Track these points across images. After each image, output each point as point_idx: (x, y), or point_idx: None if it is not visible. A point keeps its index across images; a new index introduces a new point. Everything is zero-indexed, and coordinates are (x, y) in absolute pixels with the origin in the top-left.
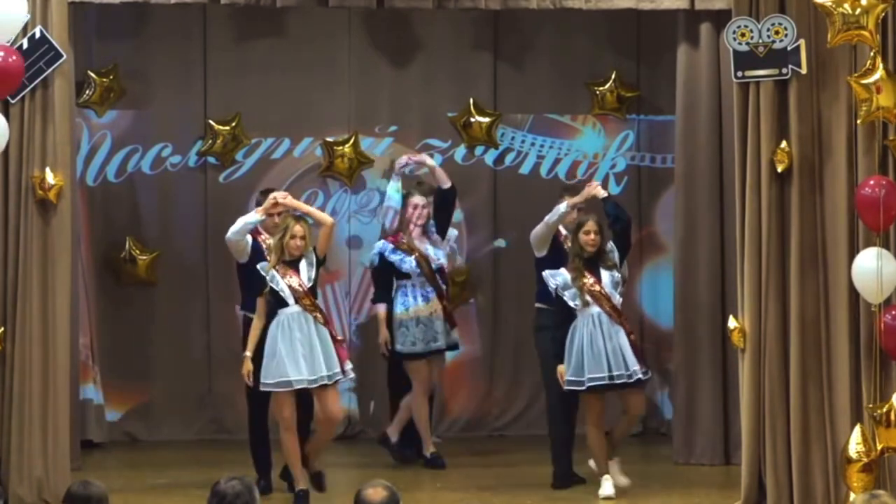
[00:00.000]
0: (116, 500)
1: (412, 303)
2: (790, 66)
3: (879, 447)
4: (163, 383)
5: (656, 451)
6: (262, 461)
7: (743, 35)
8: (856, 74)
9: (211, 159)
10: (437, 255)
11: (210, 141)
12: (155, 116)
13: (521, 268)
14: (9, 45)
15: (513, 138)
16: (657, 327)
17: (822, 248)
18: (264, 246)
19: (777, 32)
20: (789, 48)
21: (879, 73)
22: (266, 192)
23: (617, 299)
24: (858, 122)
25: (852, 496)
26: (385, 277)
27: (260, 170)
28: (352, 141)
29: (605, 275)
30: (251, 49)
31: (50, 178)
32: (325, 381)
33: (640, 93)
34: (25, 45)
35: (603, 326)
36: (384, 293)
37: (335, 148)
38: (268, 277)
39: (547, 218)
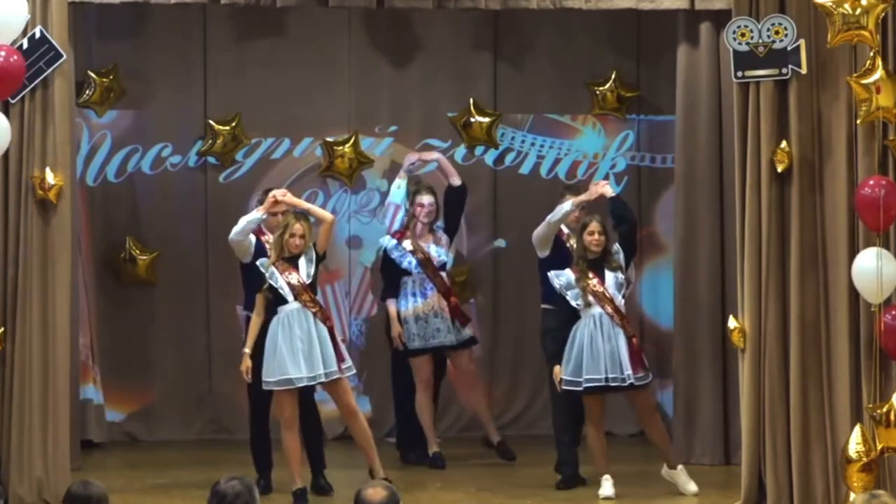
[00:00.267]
0: (116, 500)
1: (411, 300)
2: (790, 66)
3: (879, 447)
4: (163, 383)
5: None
6: (261, 460)
7: (743, 35)
8: (855, 74)
9: (211, 159)
10: (439, 254)
11: (210, 141)
12: (155, 116)
13: (521, 268)
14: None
15: (513, 138)
16: (657, 327)
17: (822, 248)
18: (267, 246)
19: (777, 32)
20: (789, 48)
21: (879, 73)
22: (269, 192)
23: (619, 301)
24: (858, 122)
25: (852, 496)
26: (391, 274)
27: (260, 170)
28: (352, 141)
29: (609, 276)
30: (251, 49)
31: (50, 178)
32: (323, 379)
33: (640, 93)
34: (25, 45)
35: (604, 328)
36: (391, 289)
37: (335, 148)
38: (267, 274)
39: (549, 217)
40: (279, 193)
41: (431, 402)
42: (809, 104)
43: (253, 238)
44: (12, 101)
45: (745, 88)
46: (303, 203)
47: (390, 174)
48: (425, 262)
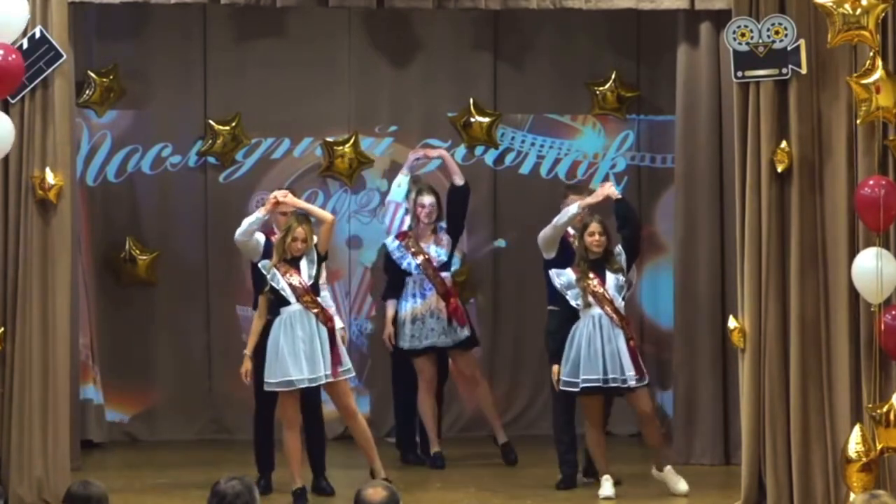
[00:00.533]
0: (116, 500)
1: (410, 301)
2: (790, 66)
3: (879, 447)
4: (163, 383)
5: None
6: (264, 460)
7: (743, 35)
8: (855, 74)
9: (211, 159)
10: (439, 254)
11: (210, 141)
12: (155, 116)
13: (521, 268)
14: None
15: (513, 138)
16: (657, 327)
17: (822, 248)
18: None
19: (777, 32)
20: (789, 48)
21: (879, 73)
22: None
23: (619, 303)
24: (858, 122)
25: (852, 496)
26: (394, 274)
27: (260, 170)
28: (352, 141)
29: (609, 277)
30: (251, 49)
31: (50, 178)
32: (323, 381)
33: (640, 93)
34: (25, 45)
35: (603, 329)
36: (393, 290)
37: (335, 148)
38: (269, 276)
39: (556, 220)
40: (280, 194)
41: (434, 401)
42: (809, 104)
43: (262, 237)
44: (12, 101)
45: (745, 88)
46: (303, 203)
47: (390, 174)
48: (425, 263)
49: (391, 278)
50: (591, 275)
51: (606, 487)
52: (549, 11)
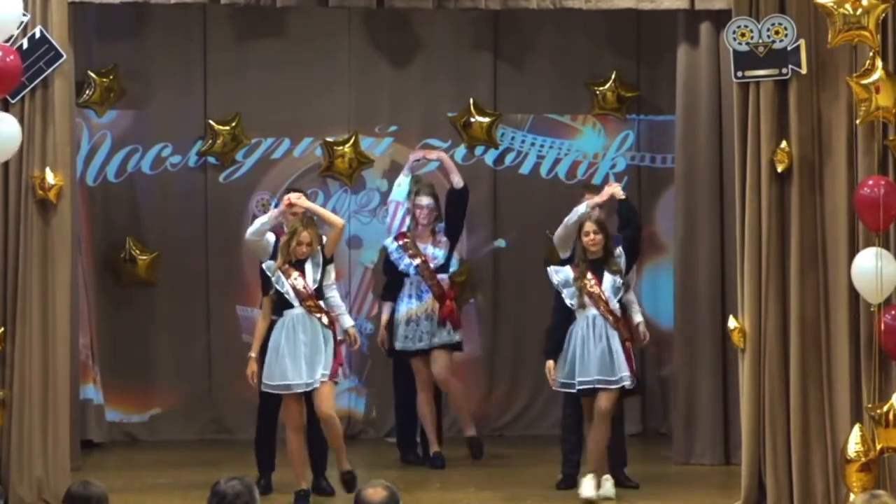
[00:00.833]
0: (116, 500)
1: (406, 302)
2: (790, 66)
3: (879, 447)
4: (163, 383)
5: (656, 451)
6: (264, 460)
7: (743, 35)
8: (855, 75)
9: (211, 159)
10: (436, 256)
11: (210, 141)
12: (155, 116)
13: (521, 268)
14: (8, 45)
15: (513, 138)
16: (657, 327)
17: (822, 248)
18: None
19: (777, 32)
20: (789, 48)
21: (879, 73)
22: (291, 191)
23: (614, 304)
24: (857, 122)
25: (852, 496)
26: (391, 275)
27: (260, 170)
28: (352, 141)
29: (607, 278)
30: (251, 49)
31: (50, 178)
32: (316, 385)
33: (640, 93)
34: (25, 45)
35: (596, 329)
36: (390, 291)
37: (335, 148)
38: (273, 278)
39: (566, 220)
40: (294, 197)
41: (433, 402)
42: (809, 104)
43: (272, 238)
44: (12, 101)
45: (745, 88)
46: (316, 207)
47: (390, 174)
48: (422, 265)
49: (389, 279)
50: (590, 275)
51: (607, 487)
52: (549, 11)
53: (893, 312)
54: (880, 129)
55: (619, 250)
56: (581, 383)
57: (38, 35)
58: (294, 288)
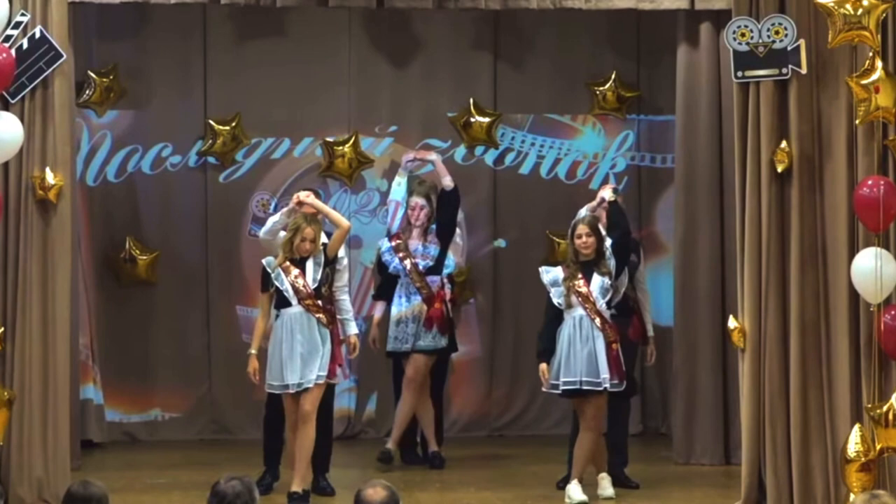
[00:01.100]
0: (116, 500)
1: (397, 303)
2: (790, 66)
3: (878, 447)
4: (163, 383)
5: (656, 451)
6: (270, 453)
7: (743, 35)
8: (855, 75)
9: (211, 159)
10: (427, 256)
11: (210, 141)
12: (155, 116)
13: (521, 268)
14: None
15: (513, 138)
16: (657, 327)
17: (822, 248)
18: None
19: (777, 32)
20: (789, 48)
21: (878, 73)
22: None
23: (601, 305)
24: (857, 122)
25: (852, 496)
26: (385, 275)
27: (260, 170)
28: (352, 141)
29: (595, 279)
30: (251, 49)
31: (50, 178)
32: (308, 385)
33: (640, 93)
34: (25, 45)
35: (582, 330)
36: (383, 291)
37: (335, 148)
38: (273, 275)
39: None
40: (303, 195)
41: (428, 401)
42: (809, 104)
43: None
44: (12, 102)
45: (745, 88)
46: (324, 207)
47: (390, 174)
48: (412, 267)
49: (383, 279)
50: (579, 275)
51: (606, 487)
52: (549, 11)
53: (893, 312)
54: (880, 129)
55: (609, 252)
56: (565, 384)
57: (38, 35)
58: (294, 286)
